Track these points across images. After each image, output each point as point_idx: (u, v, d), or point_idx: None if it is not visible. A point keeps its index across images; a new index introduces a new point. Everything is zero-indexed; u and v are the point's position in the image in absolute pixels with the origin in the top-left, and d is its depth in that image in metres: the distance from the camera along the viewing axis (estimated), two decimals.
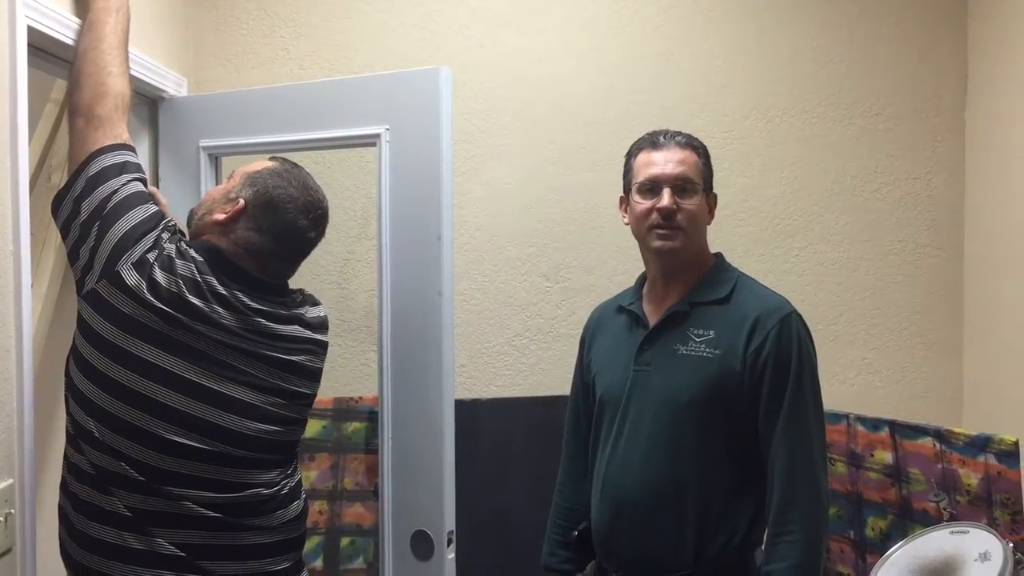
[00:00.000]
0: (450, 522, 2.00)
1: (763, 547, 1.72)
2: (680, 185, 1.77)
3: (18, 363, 1.63)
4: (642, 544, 1.76)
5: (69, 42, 1.80)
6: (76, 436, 1.59)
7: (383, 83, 2.08)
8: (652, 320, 1.83)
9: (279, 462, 1.70)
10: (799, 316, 1.77)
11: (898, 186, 2.78)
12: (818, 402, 1.75)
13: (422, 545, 2.00)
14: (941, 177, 2.78)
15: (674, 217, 1.76)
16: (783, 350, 1.71)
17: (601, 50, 2.75)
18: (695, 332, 1.76)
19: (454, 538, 2.01)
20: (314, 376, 1.77)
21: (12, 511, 1.59)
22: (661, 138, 1.82)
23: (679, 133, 1.83)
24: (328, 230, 1.80)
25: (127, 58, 1.80)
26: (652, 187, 1.78)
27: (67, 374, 1.62)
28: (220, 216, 1.67)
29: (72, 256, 1.61)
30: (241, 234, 1.66)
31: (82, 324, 1.58)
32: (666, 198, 1.76)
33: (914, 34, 2.77)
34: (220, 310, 1.58)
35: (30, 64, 1.70)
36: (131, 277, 1.54)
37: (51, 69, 1.94)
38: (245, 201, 1.66)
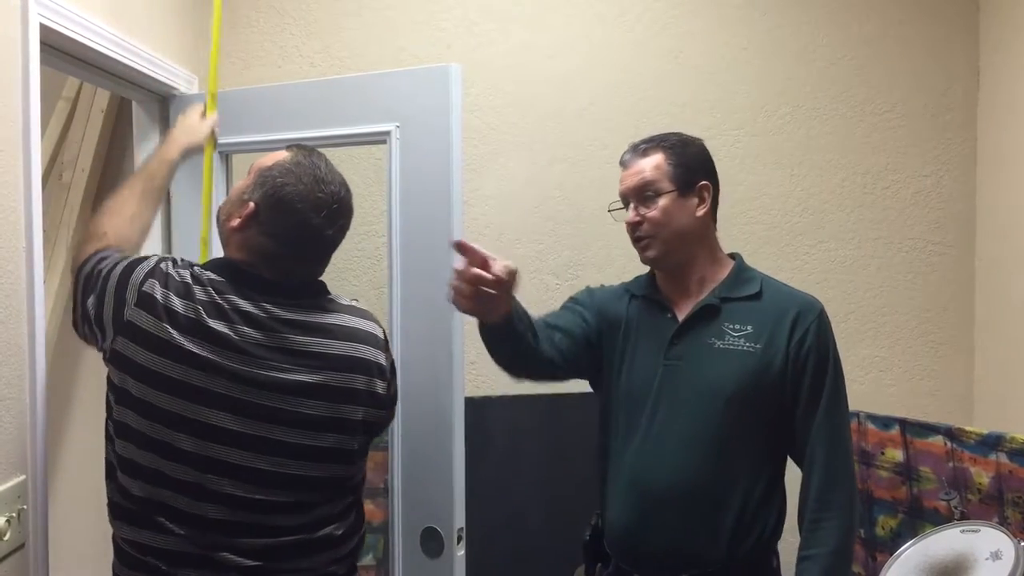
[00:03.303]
0: (460, 519, 2.01)
1: (800, 532, 1.73)
2: (644, 195, 1.77)
3: (31, 360, 1.64)
4: (672, 542, 1.74)
5: (81, 39, 1.81)
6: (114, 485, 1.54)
7: (393, 80, 2.08)
8: (679, 313, 1.81)
9: (321, 503, 1.57)
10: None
11: (909, 183, 2.77)
12: (846, 394, 1.79)
13: (432, 542, 2.00)
14: (952, 175, 2.77)
15: (639, 229, 1.79)
16: (822, 344, 1.74)
17: (610, 47, 2.75)
18: (731, 326, 1.75)
19: (464, 535, 2.01)
20: (353, 397, 1.57)
21: (25, 507, 1.60)
22: (627, 155, 1.83)
23: (649, 139, 1.83)
24: None
25: (156, 205, 1.87)
26: (624, 204, 1.83)
27: (107, 438, 1.56)
28: (235, 222, 1.57)
29: (91, 339, 1.56)
30: (255, 240, 1.56)
31: (112, 388, 1.52)
32: (629, 213, 1.80)
33: (925, 31, 2.75)
34: (246, 330, 1.49)
35: (42, 61, 1.70)
36: (140, 317, 1.48)
37: (63, 67, 1.95)
38: (255, 204, 1.55)
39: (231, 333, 1.48)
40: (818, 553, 1.67)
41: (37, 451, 1.64)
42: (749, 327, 1.75)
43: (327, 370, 1.54)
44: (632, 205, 1.79)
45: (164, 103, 2.33)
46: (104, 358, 1.54)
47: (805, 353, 1.72)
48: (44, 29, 1.69)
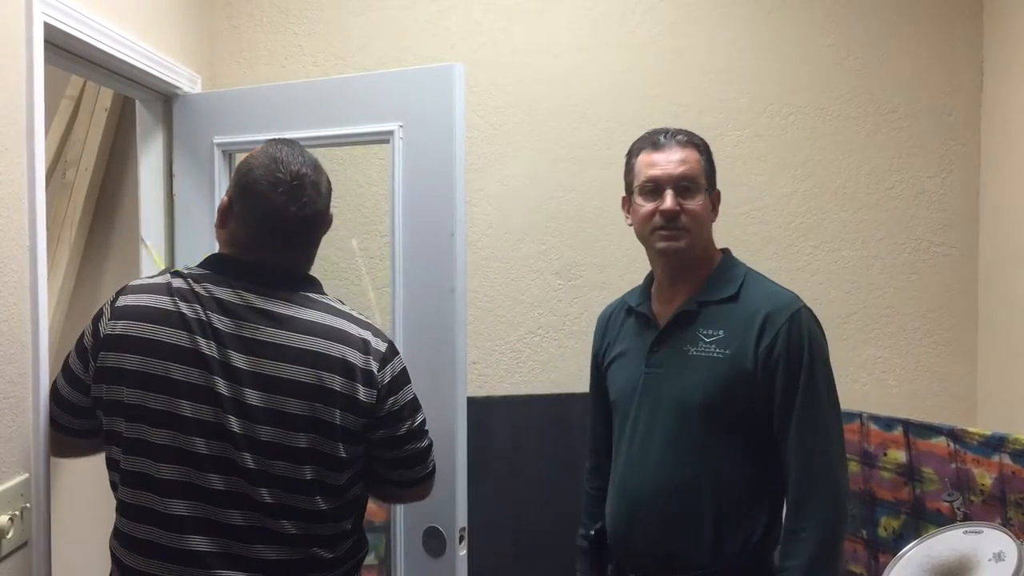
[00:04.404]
0: (462, 519, 2.01)
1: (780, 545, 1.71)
2: (683, 185, 1.74)
3: (34, 358, 1.64)
4: (657, 545, 1.75)
5: (85, 38, 1.81)
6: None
7: (397, 80, 2.08)
8: (662, 321, 1.81)
9: (301, 513, 1.49)
10: (809, 310, 1.74)
11: (912, 184, 2.76)
12: (833, 396, 1.73)
13: (434, 542, 2.00)
14: (956, 175, 2.76)
15: (678, 218, 1.73)
16: (794, 346, 1.69)
17: (614, 46, 2.74)
18: (704, 332, 1.74)
19: (466, 535, 2.02)
20: (326, 397, 1.48)
21: (28, 505, 1.60)
22: (661, 138, 1.79)
23: (680, 131, 1.80)
24: (341, 226, 1.72)
25: None
26: (654, 188, 1.76)
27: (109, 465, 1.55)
28: (217, 221, 1.59)
29: (80, 408, 1.58)
30: (234, 233, 1.56)
31: (106, 411, 1.52)
32: (669, 200, 1.73)
33: (929, 31, 2.75)
34: (217, 316, 1.48)
35: (46, 60, 1.71)
36: (117, 326, 1.50)
37: (66, 65, 1.95)
38: (228, 198, 1.56)
39: (203, 318, 1.48)
40: (794, 565, 1.64)
41: (40, 449, 1.64)
42: (721, 332, 1.73)
43: (297, 365, 1.47)
44: (670, 192, 1.74)
45: (168, 102, 2.33)
46: (92, 382, 1.52)
47: (775, 357, 1.68)
48: (48, 28, 1.69)
